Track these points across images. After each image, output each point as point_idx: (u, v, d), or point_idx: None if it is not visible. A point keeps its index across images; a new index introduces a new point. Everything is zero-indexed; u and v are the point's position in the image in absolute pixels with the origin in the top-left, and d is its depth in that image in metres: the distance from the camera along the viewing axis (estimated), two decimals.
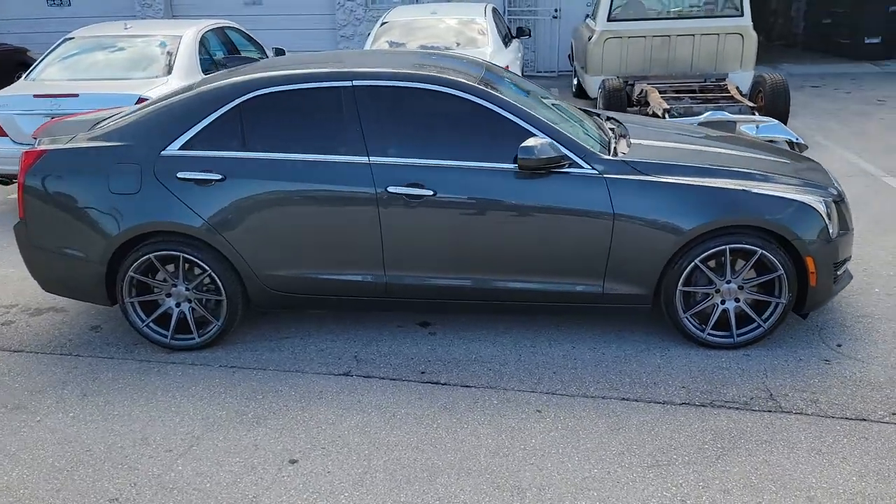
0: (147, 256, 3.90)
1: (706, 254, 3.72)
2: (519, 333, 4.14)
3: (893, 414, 3.31)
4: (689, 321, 3.86)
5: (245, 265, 3.89)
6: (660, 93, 7.86)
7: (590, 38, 9.20)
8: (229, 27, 8.32)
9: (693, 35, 8.97)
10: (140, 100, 6.29)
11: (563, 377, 3.70)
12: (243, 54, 8.34)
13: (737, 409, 3.38)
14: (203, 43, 7.48)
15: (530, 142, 3.64)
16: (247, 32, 8.69)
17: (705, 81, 8.59)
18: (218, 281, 3.92)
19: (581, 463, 3.03)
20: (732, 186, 3.73)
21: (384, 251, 3.83)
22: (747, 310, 3.84)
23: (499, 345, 4.03)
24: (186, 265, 3.95)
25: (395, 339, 4.14)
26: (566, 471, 2.99)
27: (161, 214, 3.83)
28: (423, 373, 3.79)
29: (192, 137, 3.88)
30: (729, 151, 4.20)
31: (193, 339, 4.05)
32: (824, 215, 3.74)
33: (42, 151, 3.97)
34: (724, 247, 3.70)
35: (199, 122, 3.89)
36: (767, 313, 3.84)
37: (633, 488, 2.88)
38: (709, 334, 3.88)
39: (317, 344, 4.11)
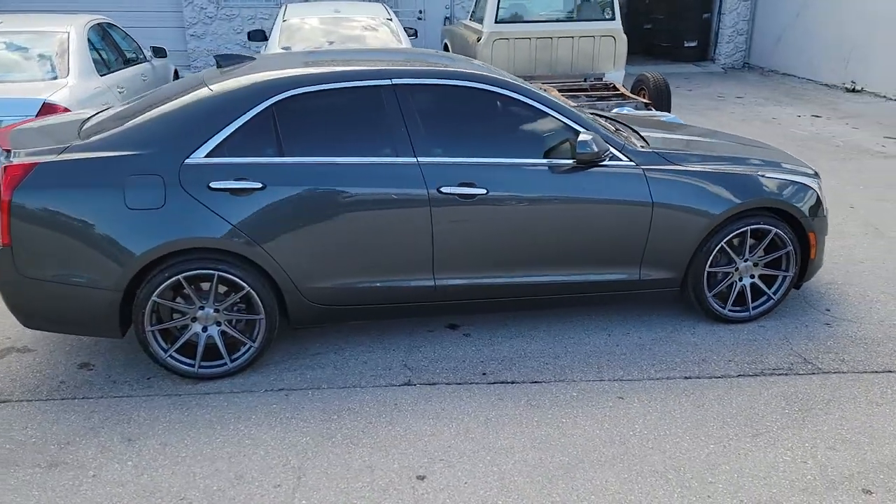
0: (176, 278, 3.48)
1: (731, 236, 4.03)
2: (549, 327, 4.22)
3: None
4: (712, 300, 4.16)
5: (286, 279, 3.61)
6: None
7: (478, 40, 9.43)
8: (107, 23, 7.55)
9: (572, 37, 9.52)
10: (46, 105, 5.56)
11: (619, 363, 3.84)
12: (127, 54, 7.61)
13: (785, 374, 3.72)
14: (89, 40, 6.74)
15: (584, 136, 3.73)
16: (123, 29, 7.92)
17: (585, 80, 9.15)
18: (257, 298, 3.60)
19: (695, 441, 3.19)
20: (750, 172, 4.08)
21: (434, 253, 3.74)
22: (760, 284, 4.22)
23: (538, 340, 4.09)
24: (218, 284, 3.58)
25: (435, 343, 4.05)
26: (687, 450, 3.13)
27: (193, 230, 3.44)
28: (484, 374, 3.75)
29: (219, 143, 3.53)
30: (722, 142, 4.57)
31: (225, 365, 3.69)
32: (820, 194, 4.21)
33: (31, 165, 3.41)
34: (745, 228, 4.04)
35: (227, 126, 3.55)
36: (776, 286, 4.24)
37: (755, 457, 3.08)
38: (729, 310, 4.20)
39: (355, 357, 3.91)
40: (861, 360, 3.83)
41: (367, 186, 3.61)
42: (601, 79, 9.21)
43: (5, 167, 3.41)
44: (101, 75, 6.59)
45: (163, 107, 3.69)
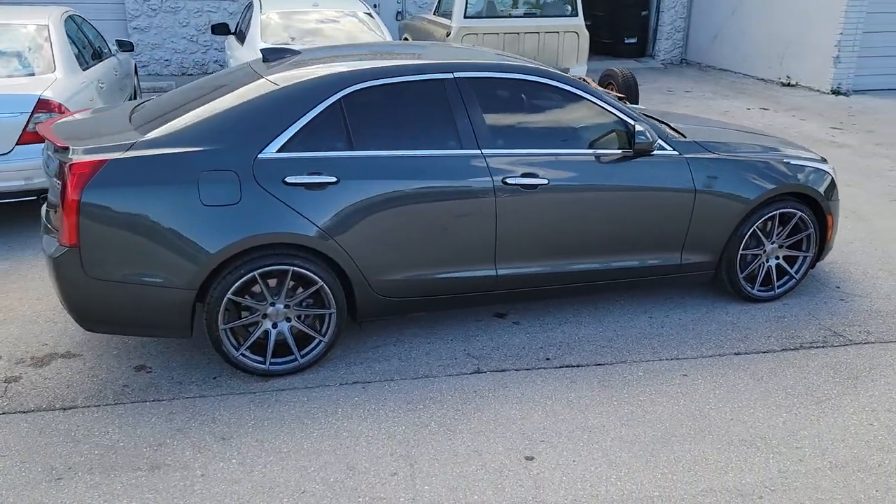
0: (252, 274, 3.45)
1: (762, 219, 4.30)
2: (593, 313, 4.38)
3: None
4: (743, 281, 4.42)
5: (357, 272, 3.62)
6: None
7: (448, 34, 9.51)
8: (76, 14, 7.23)
9: (538, 33, 9.74)
10: (41, 101, 5.31)
11: (670, 343, 4.03)
12: (97, 46, 7.31)
13: (822, 347, 4.01)
14: (66, 33, 6.46)
15: (640, 127, 3.90)
16: (88, 21, 7.61)
17: None
18: (329, 292, 3.60)
19: (768, 411, 3.41)
20: (777, 159, 4.35)
21: (497, 243, 3.83)
22: (784, 265, 4.51)
23: (586, 325, 4.24)
24: (289, 279, 3.56)
25: (489, 332, 4.14)
26: (764, 420, 3.35)
27: (271, 225, 3.41)
28: (547, 359, 3.87)
29: (291, 138, 3.51)
30: (741, 131, 4.84)
31: (295, 360, 3.67)
32: (834, 177, 4.53)
33: (101, 161, 3.30)
34: (775, 212, 4.32)
35: (297, 120, 3.53)
36: (797, 266, 4.54)
37: (827, 422, 3.33)
38: (757, 290, 4.48)
39: (416, 348, 3.96)
40: (884, 332, 4.17)
41: (435, 178, 3.66)
42: (566, 73, 9.46)
43: (71, 164, 3.29)
44: (83, 70, 6.32)
45: (222, 101, 3.63)
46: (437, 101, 3.75)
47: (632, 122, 3.99)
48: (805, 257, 4.52)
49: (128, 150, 3.36)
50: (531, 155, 3.83)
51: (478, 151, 3.75)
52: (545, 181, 3.81)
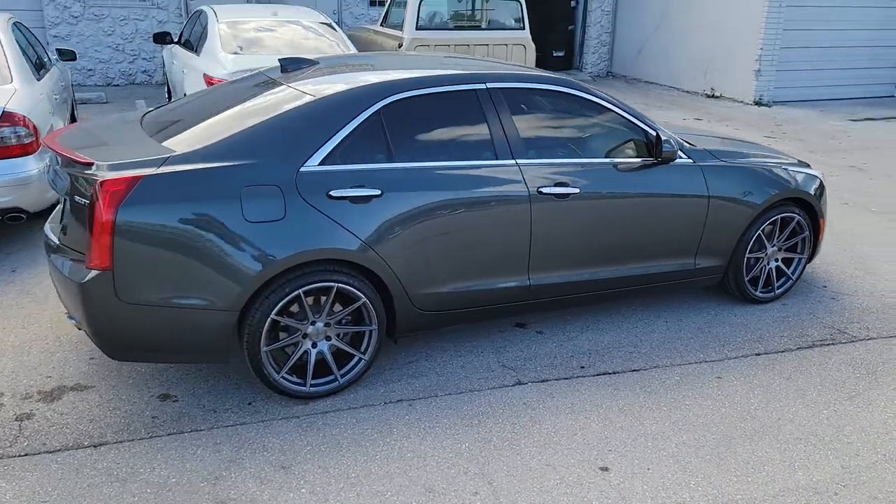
0: (296, 293, 3.29)
1: (766, 223, 4.48)
2: (610, 320, 4.43)
3: None
4: (748, 284, 4.59)
5: (399, 287, 3.53)
6: None
7: (399, 45, 9.46)
8: (17, 21, 6.75)
9: (487, 45, 9.84)
10: (5, 113, 4.93)
11: (693, 347, 4.13)
12: (40, 54, 6.85)
13: (832, 344, 4.20)
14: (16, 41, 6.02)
15: (664, 136, 3.99)
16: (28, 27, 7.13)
17: None
18: (371, 308, 3.48)
19: (809, 409, 3.54)
20: (777, 166, 4.54)
21: (531, 253, 3.82)
22: (783, 267, 4.71)
23: (608, 332, 4.28)
24: (332, 296, 3.42)
25: (516, 343, 4.12)
26: (809, 417, 3.47)
27: (317, 240, 3.28)
28: (582, 367, 3.89)
29: (332, 150, 3.39)
30: (732, 139, 5.02)
31: (336, 381, 3.53)
32: (824, 182, 4.78)
33: (136, 178, 3.07)
34: (777, 216, 4.50)
35: (337, 132, 3.41)
36: (792, 268, 4.76)
37: (866, 416, 3.48)
38: (760, 292, 4.65)
39: (449, 362, 3.89)
40: (882, 328, 4.41)
41: (475, 189, 3.62)
42: None
43: (103, 182, 3.04)
44: (37, 80, 5.91)
45: (252, 111, 3.47)
46: (471, 111, 3.71)
47: (653, 131, 4.08)
48: (801, 259, 4.74)
49: (162, 164, 3.14)
50: (562, 164, 3.85)
51: (513, 162, 3.73)
52: (577, 190, 3.83)
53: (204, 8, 8.09)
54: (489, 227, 3.66)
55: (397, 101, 3.55)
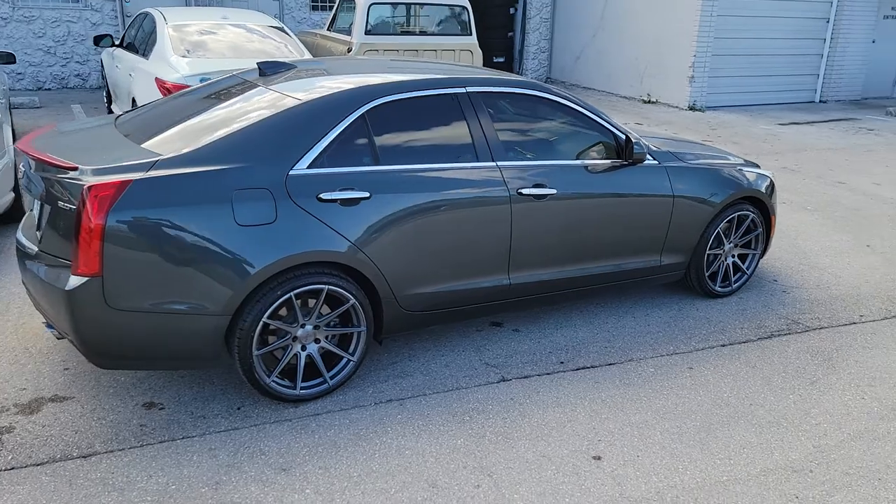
0: (288, 296, 3.30)
1: (724, 221, 4.71)
2: (581, 316, 4.58)
3: (861, 316, 4.75)
4: (708, 279, 4.81)
5: (386, 288, 3.58)
6: None
7: (349, 50, 9.47)
8: None
9: (436, 50, 9.95)
10: None
11: (663, 340, 4.31)
12: None
13: (788, 334, 4.46)
14: None
15: (633, 138, 4.16)
16: None
17: None
18: (359, 310, 3.52)
19: (776, 394, 3.75)
20: (732, 167, 4.79)
21: (511, 252, 3.92)
22: (739, 263, 4.96)
23: (581, 328, 4.43)
24: (322, 299, 3.44)
25: (495, 340, 4.21)
26: (777, 402, 3.68)
27: (308, 243, 3.29)
28: (561, 363, 4.01)
29: (320, 153, 3.41)
30: (689, 141, 5.26)
31: (325, 383, 3.54)
32: (774, 182, 5.06)
33: (124, 182, 3.02)
34: (734, 214, 4.74)
35: (324, 135, 3.44)
36: (747, 263, 5.01)
37: (828, 399, 3.71)
38: (718, 287, 4.89)
39: (433, 361, 3.96)
40: (831, 317, 4.70)
41: (458, 190, 3.69)
42: None
43: (90, 186, 2.99)
44: None
45: (236, 114, 3.46)
46: (453, 114, 3.79)
47: (623, 134, 4.24)
48: (755, 255, 5.00)
49: (151, 168, 3.11)
50: (539, 166, 3.96)
51: (493, 164, 3.82)
52: (553, 191, 3.95)
53: (150, 10, 7.92)
54: (472, 228, 3.75)
55: (382, 104, 3.60)
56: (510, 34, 15.83)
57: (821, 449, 3.28)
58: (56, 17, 11.54)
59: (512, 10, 15.60)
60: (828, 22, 14.02)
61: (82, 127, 3.89)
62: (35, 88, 11.66)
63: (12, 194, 5.39)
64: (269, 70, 3.97)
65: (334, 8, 10.38)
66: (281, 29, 7.79)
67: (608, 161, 4.20)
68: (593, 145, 4.22)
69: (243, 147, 3.28)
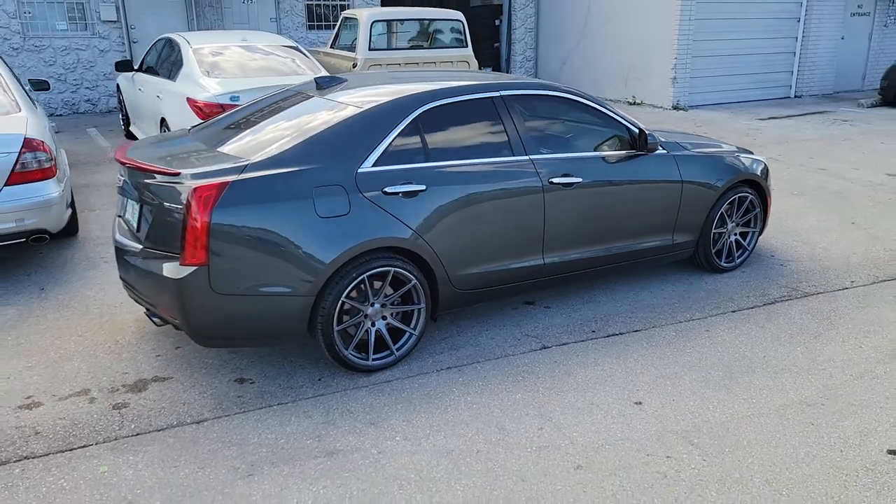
0: (361, 277, 3.79)
1: (726, 203, 5.27)
2: (604, 292, 5.10)
3: (852, 282, 5.32)
4: (714, 255, 5.36)
5: (442, 269, 4.08)
6: None
7: (354, 66, 9.99)
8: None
9: (435, 62, 10.49)
10: (27, 140, 5.20)
11: (679, 309, 4.84)
12: (22, 84, 7.02)
13: (790, 299, 5.00)
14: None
15: (647, 130, 4.70)
16: None
17: None
18: (419, 289, 4.02)
19: (787, 347, 4.28)
20: (730, 153, 5.35)
21: (545, 235, 4.44)
22: (741, 240, 5.52)
23: (605, 303, 4.95)
24: (388, 280, 3.93)
25: (530, 316, 4.72)
26: (788, 354, 4.21)
27: (377, 231, 3.79)
28: (593, 332, 4.53)
29: (382, 153, 3.91)
30: (688, 133, 5.82)
31: (391, 355, 4.03)
32: (767, 166, 5.62)
33: (224, 183, 3.51)
34: (735, 196, 5.30)
35: (385, 136, 3.94)
36: (748, 240, 5.57)
37: (832, 349, 4.25)
38: (724, 262, 5.44)
39: (480, 334, 4.45)
40: (826, 284, 5.26)
41: (500, 182, 4.20)
42: None
43: (196, 188, 3.47)
44: (34, 108, 6.14)
45: (306, 122, 3.95)
46: (489, 115, 4.31)
47: (636, 128, 4.79)
48: (754, 232, 5.56)
49: (242, 171, 3.59)
50: (566, 158, 4.49)
51: (527, 158, 4.34)
52: (579, 179, 4.48)
53: (171, 36, 8.39)
54: (511, 214, 4.26)
55: (431, 108, 4.11)
56: (496, 45, 16.43)
57: (829, 387, 3.82)
58: (65, 46, 11.96)
59: (497, 22, 16.22)
60: (799, 21, 14.75)
61: (164, 139, 4.36)
62: (48, 115, 12.05)
63: (69, 210, 5.83)
64: (325, 84, 4.47)
65: (336, 26, 10.90)
66: (296, 48, 8.29)
67: (624, 152, 4.73)
68: (610, 138, 4.75)
69: (318, 150, 3.78)
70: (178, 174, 3.57)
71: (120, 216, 4.22)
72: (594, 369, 4.02)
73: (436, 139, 4.11)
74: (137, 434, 3.42)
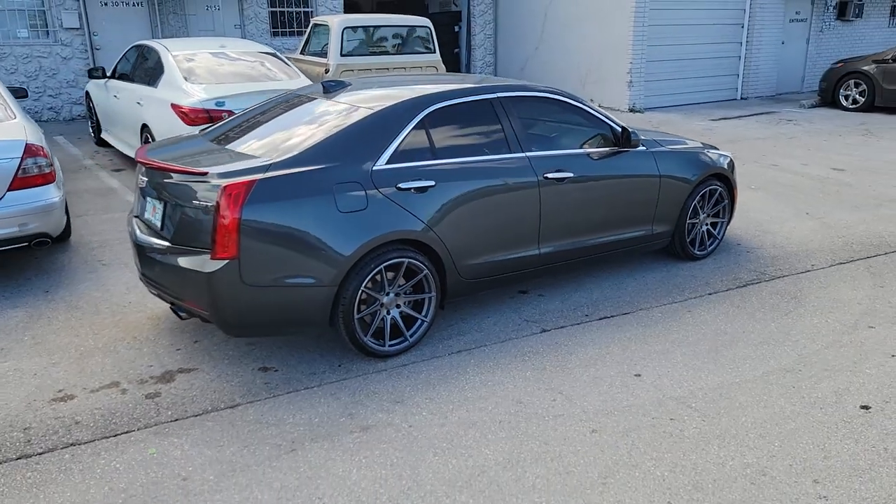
0: (379, 268, 4.06)
1: (699, 195, 5.69)
2: (591, 281, 5.45)
3: (813, 265, 5.80)
4: (689, 244, 5.78)
5: (450, 260, 4.37)
6: None
7: (326, 71, 10.20)
8: None
9: (405, 68, 10.78)
10: (28, 146, 5.32)
11: (661, 293, 5.23)
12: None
13: (759, 282, 5.45)
14: None
15: (630, 128, 5.08)
16: None
17: None
18: (431, 278, 4.30)
19: (762, 323, 4.70)
20: (700, 149, 5.78)
21: (540, 226, 4.77)
22: (712, 230, 5.95)
23: (593, 290, 5.31)
24: (403, 270, 4.19)
25: (526, 304, 5.05)
26: (763, 328, 4.63)
27: (392, 224, 4.05)
28: (586, 315, 4.88)
29: (394, 151, 4.19)
30: (662, 132, 6.24)
31: (405, 341, 4.30)
32: (733, 161, 6.08)
33: (252, 182, 3.74)
34: (706, 189, 5.73)
35: (396, 136, 4.22)
36: (718, 230, 6.01)
37: (803, 323, 4.68)
38: (697, 251, 5.86)
39: (482, 321, 4.75)
40: (790, 268, 5.73)
41: (500, 178, 4.52)
42: None
43: (225, 187, 3.69)
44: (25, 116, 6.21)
45: (318, 123, 4.20)
46: (489, 115, 4.62)
47: (619, 126, 5.17)
48: (723, 223, 6.00)
49: (267, 170, 3.83)
50: (558, 154, 4.83)
51: (523, 154, 4.67)
52: (570, 174, 4.82)
53: (147, 42, 8.49)
54: (510, 207, 4.57)
55: (436, 109, 4.41)
56: (456, 51, 16.80)
57: (803, 356, 4.24)
58: (27, 54, 11.86)
59: (456, 28, 16.59)
60: (743, 27, 15.50)
61: (177, 141, 4.55)
62: None
63: (66, 217, 5.93)
64: (332, 87, 4.72)
65: (306, 33, 11.10)
66: (274, 55, 8.47)
67: (609, 148, 5.11)
68: (597, 135, 5.12)
69: (336, 149, 4.03)
70: (205, 173, 3.78)
71: (137, 216, 4.40)
72: (593, 348, 4.36)
73: (441, 138, 4.40)
74: (176, 420, 3.62)
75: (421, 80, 5.02)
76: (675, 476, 3.14)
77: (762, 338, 4.49)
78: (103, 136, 9.80)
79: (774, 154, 10.17)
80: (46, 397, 3.83)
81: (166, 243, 4.00)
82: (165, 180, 4.01)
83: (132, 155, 8.65)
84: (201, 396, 3.83)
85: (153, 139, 7.60)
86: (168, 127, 7.30)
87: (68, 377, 4.03)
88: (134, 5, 12.56)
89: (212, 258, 3.72)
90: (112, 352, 4.33)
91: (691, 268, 5.73)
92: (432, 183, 4.22)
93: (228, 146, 4.24)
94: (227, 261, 3.69)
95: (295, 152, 3.97)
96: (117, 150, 10.06)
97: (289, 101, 4.74)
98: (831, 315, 4.82)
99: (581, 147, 5.02)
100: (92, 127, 10.26)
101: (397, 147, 4.19)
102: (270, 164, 3.86)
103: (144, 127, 7.77)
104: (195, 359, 4.23)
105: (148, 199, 4.23)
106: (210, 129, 4.72)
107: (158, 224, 4.10)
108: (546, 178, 4.70)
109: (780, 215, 7.20)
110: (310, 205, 3.83)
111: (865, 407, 3.69)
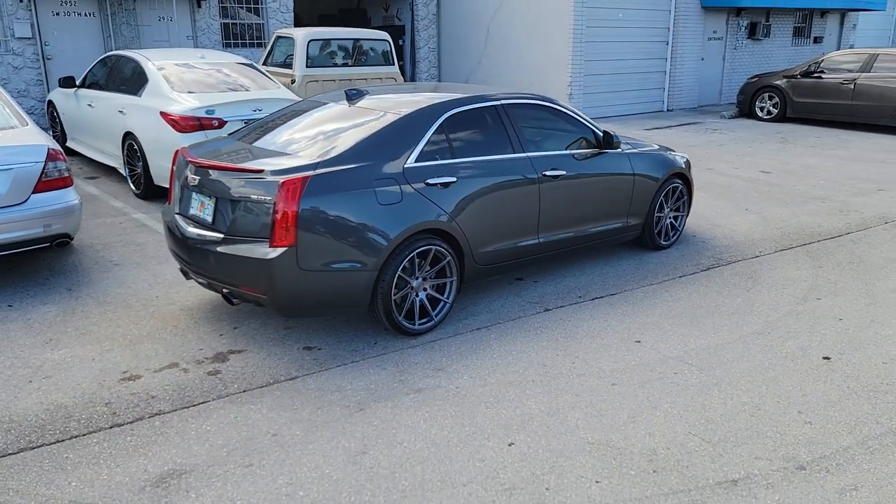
0: (412, 254, 4.59)
1: (664, 192, 6.46)
2: (577, 268, 6.12)
3: (760, 252, 6.66)
4: (656, 236, 6.54)
5: (468, 247, 4.93)
6: None
7: (292, 82, 10.60)
8: None
9: (366, 79, 11.29)
10: (50, 151, 5.58)
11: (638, 277, 5.95)
12: None
13: (719, 266, 6.24)
14: None
15: (610, 132, 5.79)
16: None
17: None
18: (454, 263, 4.86)
19: (729, 298, 5.46)
20: (664, 151, 6.56)
21: (539, 218, 5.40)
22: (674, 223, 6.74)
23: (580, 276, 5.97)
24: (425, 258, 4.73)
25: (526, 289, 5.66)
26: (732, 301, 5.38)
27: (423, 215, 4.59)
28: (579, 296, 5.53)
29: (421, 151, 4.73)
30: (624, 135, 6.99)
31: (432, 320, 4.84)
32: (689, 161, 6.88)
33: (306, 178, 4.21)
34: (669, 186, 6.51)
35: (422, 138, 4.77)
36: (679, 223, 6.80)
37: (766, 299, 5.46)
38: (663, 241, 6.63)
39: (492, 302, 5.34)
40: (742, 253, 6.56)
41: (508, 175, 5.12)
42: None
43: (283, 182, 4.15)
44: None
45: (352, 126, 4.70)
46: (495, 120, 5.23)
47: (600, 130, 5.87)
48: (683, 216, 6.80)
49: (316, 168, 4.31)
50: (552, 154, 5.48)
51: (525, 154, 5.29)
52: (564, 172, 5.48)
53: (125, 53, 8.71)
54: (516, 201, 5.18)
55: (454, 113, 4.98)
56: (401, 63, 17.36)
57: (769, 322, 5.01)
58: None
59: (401, 42, 17.17)
60: (667, 44, 16.71)
61: (211, 143, 4.93)
62: None
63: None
64: (354, 95, 5.22)
65: (269, 45, 11.44)
66: (251, 65, 8.84)
67: (595, 150, 5.79)
68: (581, 138, 5.80)
69: (373, 149, 4.54)
70: (261, 171, 4.23)
71: (180, 213, 4.77)
72: (594, 322, 5.00)
73: (457, 139, 4.97)
74: (244, 391, 4.03)
75: (429, 88, 5.57)
76: (688, 413, 3.80)
77: (732, 309, 5.24)
78: (69, 144, 9.89)
79: (708, 159, 11.18)
80: (114, 378, 4.17)
81: (220, 235, 4.40)
82: (218, 178, 4.42)
83: (107, 162, 8.83)
84: (259, 372, 4.25)
85: (138, 146, 7.84)
86: (156, 134, 7.57)
87: (127, 361, 4.37)
88: (86, 15, 12.59)
89: (271, 246, 4.16)
90: (159, 339, 4.68)
91: (659, 256, 6.47)
92: (454, 179, 4.78)
93: (267, 147, 4.67)
94: (285, 248, 4.14)
95: (337, 152, 4.46)
96: (87, 158, 10.14)
97: (314, 107, 5.21)
98: (784, 290, 5.64)
99: (569, 148, 5.68)
100: (55, 136, 10.30)
101: (423, 147, 4.73)
102: (319, 163, 4.33)
103: (128, 135, 8.00)
104: (241, 342, 4.63)
105: (195, 195, 4.62)
106: (239, 132, 5.13)
107: (209, 219, 4.50)
108: (545, 175, 5.33)
109: (724, 211, 8.08)
110: (355, 198, 4.33)
111: (827, 358, 4.46)
